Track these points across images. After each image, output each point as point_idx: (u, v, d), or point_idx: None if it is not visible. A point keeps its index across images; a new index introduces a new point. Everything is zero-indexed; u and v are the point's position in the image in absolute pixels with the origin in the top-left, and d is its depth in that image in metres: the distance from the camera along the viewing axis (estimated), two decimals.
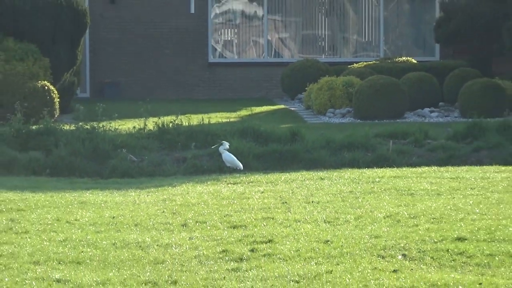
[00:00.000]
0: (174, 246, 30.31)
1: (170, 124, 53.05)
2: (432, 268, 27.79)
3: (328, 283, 25.72)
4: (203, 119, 55.48)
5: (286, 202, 38.08)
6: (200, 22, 73.83)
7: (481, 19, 66.17)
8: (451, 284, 25.72)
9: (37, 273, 26.66)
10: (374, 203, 37.44)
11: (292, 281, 25.94)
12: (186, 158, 49.72)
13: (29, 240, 30.94)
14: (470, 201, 37.65)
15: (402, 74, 64.67)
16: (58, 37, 63.53)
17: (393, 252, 29.24)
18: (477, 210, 35.60)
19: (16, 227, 32.94)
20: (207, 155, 49.20)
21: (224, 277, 26.66)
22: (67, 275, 26.42)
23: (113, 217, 34.85)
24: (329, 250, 29.61)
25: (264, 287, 25.62)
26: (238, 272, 27.28)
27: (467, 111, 62.00)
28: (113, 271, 27.05)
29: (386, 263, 28.06)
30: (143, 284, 25.58)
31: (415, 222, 33.58)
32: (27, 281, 25.79)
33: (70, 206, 37.22)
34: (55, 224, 33.38)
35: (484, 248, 29.53)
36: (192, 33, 73.32)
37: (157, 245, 30.35)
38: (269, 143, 51.79)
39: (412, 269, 27.54)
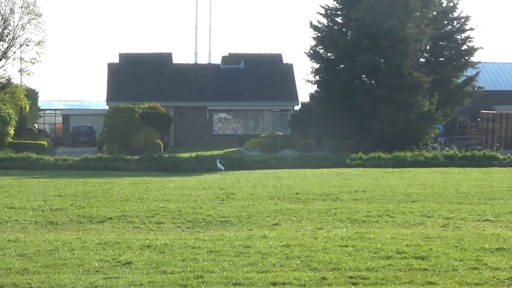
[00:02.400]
0: (200, 195, 29.82)
1: (199, 154, 52.32)
2: (288, 203, 27.36)
3: (253, 208, 25.26)
4: (211, 153, 54.76)
5: (238, 181, 37.52)
6: (209, 120, 72.67)
7: (305, 122, 65.06)
8: (292, 208, 25.23)
9: (154, 204, 26.18)
10: (268, 181, 36.90)
11: (240, 207, 25.49)
12: (205, 166, 48.84)
13: (151, 193, 30.46)
14: (301, 180, 37.06)
15: (277, 138, 63.53)
16: (162, 125, 62.50)
17: (275, 198, 28.74)
18: (303, 183, 35.08)
19: (149, 189, 32.43)
20: (212, 164, 48.50)
21: (218, 206, 26.24)
22: (165, 205, 25.99)
23: (180, 185, 34.34)
24: (252, 196, 29.12)
25: (231, 209, 25.15)
26: (222, 204, 26.82)
27: (300, 150, 59.79)
28: (179, 204, 26.61)
29: (272, 201, 27.59)
30: (190, 208, 25.15)
31: (281, 187, 33.01)
32: (151, 206, 25.32)
33: (170, 182, 36.70)
34: (161, 188, 32.89)
35: (306, 196, 29.10)
36: (207, 124, 72.19)
37: (195, 195, 29.87)
38: (233, 160, 51.04)
39: (282, 203, 27.12)
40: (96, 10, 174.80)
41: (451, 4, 66.33)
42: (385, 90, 58.73)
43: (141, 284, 13.60)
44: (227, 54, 79.12)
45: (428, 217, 23.59)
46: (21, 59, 73.66)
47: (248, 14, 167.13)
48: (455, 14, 66.33)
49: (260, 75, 74.90)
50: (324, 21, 64.44)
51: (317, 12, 64.45)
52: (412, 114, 59.30)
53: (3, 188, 33.31)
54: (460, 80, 65.95)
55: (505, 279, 14.08)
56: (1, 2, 70.59)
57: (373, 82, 61.11)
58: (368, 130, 58.52)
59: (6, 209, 25.32)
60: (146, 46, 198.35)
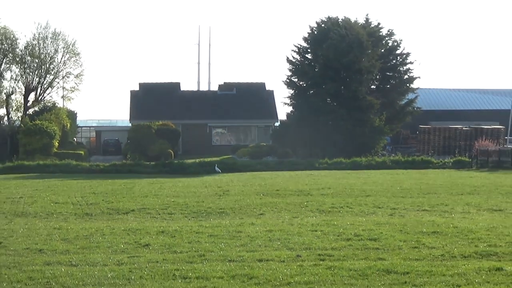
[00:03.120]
0: (202, 192, 29.65)
1: (202, 160, 52.10)
2: (270, 198, 27.18)
3: (243, 202, 25.15)
4: (210, 160, 54.49)
5: (232, 180, 37.30)
6: (209, 134, 71.74)
7: (283, 135, 64.63)
8: (274, 201, 25.11)
9: (167, 199, 26.04)
10: (254, 181, 36.69)
11: (234, 201, 25.38)
12: (206, 169, 48.44)
13: (165, 190, 30.20)
14: (280, 180, 36.80)
15: (261, 147, 62.94)
16: (173, 138, 61.99)
17: (260, 194, 28.59)
18: (282, 182, 34.83)
19: (162, 187, 32.14)
20: (211, 168, 48.23)
21: (216, 200, 26.09)
22: (175, 200, 25.82)
23: (186, 184, 34.12)
24: (243, 193, 28.95)
25: (226, 203, 25.05)
26: (219, 199, 26.67)
27: (279, 157, 58.75)
28: (186, 199, 26.45)
29: (258, 196, 27.41)
30: (195, 202, 25.01)
31: (265, 186, 32.80)
32: (164, 201, 25.22)
33: (179, 182, 36.48)
34: (172, 186, 32.66)
35: (285, 192, 28.94)
36: (207, 137, 71.53)
37: (198, 192, 29.70)
38: (227, 165, 50.66)
39: (265, 198, 26.99)
40: (121, 49, 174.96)
41: (395, 43, 66.59)
42: (345, 110, 59.03)
43: (157, 261, 13.57)
44: (222, 83, 78.72)
45: (379, 208, 23.60)
46: (63, 88, 73.86)
47: (239, 50, 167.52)
48: (398, 51, 66.44)
49: (248, 99, 74.68)
50: (298, 57, 64.52)
51: (292, 50, 64.67)
52: (366, 128, 59.50)
53: (50, 188, 33.27)
54: (403, 102, 66.11)
55: (439, 255, 14.12)
56: (48, 44, 70.99)
57: (335, 104, 61.14)
58: (332, 141, 58.60)
59: (52, 204, 25.25)
60: (159, 77, 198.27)
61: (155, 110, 71.00)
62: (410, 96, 66.60)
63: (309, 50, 64.70)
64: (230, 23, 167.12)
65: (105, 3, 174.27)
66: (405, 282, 11.67)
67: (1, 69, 69.79)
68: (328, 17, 64.19)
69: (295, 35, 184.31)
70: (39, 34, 71.13)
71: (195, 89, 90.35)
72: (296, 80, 64.33)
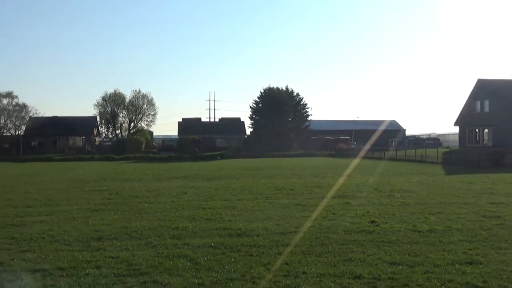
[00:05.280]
0: (211, 168, 28.99)
1: (211, 154, 51.21)
2: (243, 170, 26.58)
3: (230, 173, 24.72)
4: (215, 154, 53.63)
5: (225, 163, 36.58)
6: (214, 142, 70.80)
7: (249, 142, 63.79)
8: (245, 172, 24.55)
9: (195, 172, 25.38)
10: (235, 163, 35.92)
11: (226, 172, 24.94)
12: (213, 158, 47.90)
13: (195, 167, 29.12)
14: (248, 163, 36.01)
15: (239, 148, 61.74)
16: (198, 144, 60.80)
17: (238, 169, 28.16)
18: (248, 164, 34.21)
19: (193, 166, 30.87)
20: (216, 158, 47.71)
21: (217, 171, 25.43)
22: (198, 172, 25.02)
23: (204, 165, 33.22)
24: (230, 168, 28.42)
25: (223, 173, 24.45)
26: (219, 171, 25.95)
27: (248, 152, 58.25)
28: (204, 171, 25.76)
29: (237, 170, 26.88)
30: (207, 172, 24.37)
31: (241, 165, 32.16)
32: (194, 172, 24.60)
33: (201, 164, 35.45)
34: (198, 166, 31.56)
35: (250, 168, 28.23)
36: (213, 143, 70.47)
37: (209, 168, 29.00)
38: (223, 156, 50.06)
39: (240, 170, 26.54)
40: (173, 103, 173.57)
41: (300, 99, 66.62)
42: (278, 131, 59.43)
43: (190, 201, 13.42)
44: (221, 117, 78.53)
45: (294, 175, 23.34)
46: (146, 120, 74.13)
47: (229, 102, 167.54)
48: (302, 103, 66.32)
49: (233, 126, 74.17)
50: (255, 105, 64.53)
51: (252, 102, 65.30)
52: (287, 138, 59.96)
53: (140, 167, 32.14)
54: (304, 126, 66.41)
55: (320, 197, 14.16)
56: (139, 101, 72.49)
57: (274, 127, 61.54)
58: (272, 145, 58.70)
59: (142, 174, 24.57)
60: (191, 114, 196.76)
61: (189, 130, 69.68)
62: (307, 123, 67.29)
63: (260, 102, 65.03)
64: (224, 89, 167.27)
65: (168, 83, 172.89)
66: (305, 209, 11.74)
67: (117, 112, 70.10)
68: (269, 87, 64.73)
69: (253, 95, 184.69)
70: (134, 96, 72.29)
71: (208, 120, 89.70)
72: (254, 116, 64.70)
